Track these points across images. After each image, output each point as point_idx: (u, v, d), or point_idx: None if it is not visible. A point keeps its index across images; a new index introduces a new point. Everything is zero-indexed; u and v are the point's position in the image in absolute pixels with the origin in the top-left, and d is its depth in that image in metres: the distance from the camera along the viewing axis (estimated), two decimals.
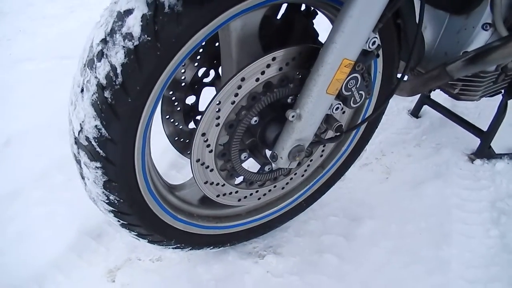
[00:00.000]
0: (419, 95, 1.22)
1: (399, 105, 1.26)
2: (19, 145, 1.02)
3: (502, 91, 0.97)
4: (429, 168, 1.05)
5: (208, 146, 0.59)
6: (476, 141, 1.10)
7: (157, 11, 0.44)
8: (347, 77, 0.56)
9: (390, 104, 1.19)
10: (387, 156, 1.08)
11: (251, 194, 0.71)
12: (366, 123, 0.75)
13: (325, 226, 0.87)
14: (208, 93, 0.71)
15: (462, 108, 1.26)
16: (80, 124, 0.49)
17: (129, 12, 0.45)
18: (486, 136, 1.08)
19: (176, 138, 0.72)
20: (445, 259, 0.84)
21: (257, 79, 0.56)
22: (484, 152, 1.09)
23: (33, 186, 0.94)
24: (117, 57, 0.45)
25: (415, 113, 1.25)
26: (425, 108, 1.22)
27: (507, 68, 0.88)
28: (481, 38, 0.75)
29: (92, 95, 0.47)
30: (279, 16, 0.68)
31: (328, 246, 0.85)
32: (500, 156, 1.10)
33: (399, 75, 0.68)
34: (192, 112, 0.71)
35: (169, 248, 0.70)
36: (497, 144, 1.11)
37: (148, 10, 0.44)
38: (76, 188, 0.86)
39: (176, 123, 0.71)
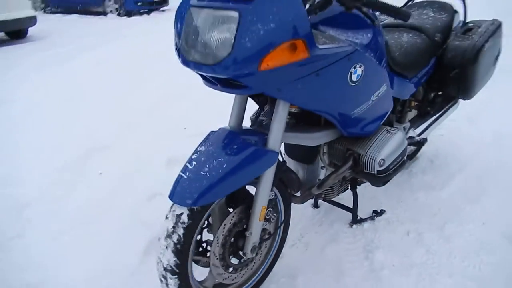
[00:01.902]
0: None
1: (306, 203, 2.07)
2: None
3: (349, 187, 1.82)
4: (328, 237, 1.82)
5: (216, 257, 1.31)
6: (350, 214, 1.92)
7: (192, 211, 1.19)
8: (266, 212, 1.33)
9: (299, 206, 2.00)
10: (304, 237, 1.84)
11: (238, 275, 1.41)
12: (281, 225, 1.52)
13: (278, 285, 1.58)
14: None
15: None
16: (168, 262, 1.19)
17: (181, 214, 1.19)
18: (353, 211, 1.90)
19: (199, 262, 1.40)
20: (343, 285, 1.58)
21: (227, 225, 1.31)
22: (355, 219, 1.91)
23: None
24: (180, 232, 1.18)
25: (316, 205, 2.06)
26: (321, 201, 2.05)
27: (344, 178, 1.73)
28: (322, 173, 1.60)
29: (171, 250, 1.18)
30: None
31: None
32: (365, 219, 1.92)
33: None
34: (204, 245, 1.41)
35: None
36: (365, 211, 1.95)
37: (188, 212, 1.19)
38: None
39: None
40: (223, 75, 1.07)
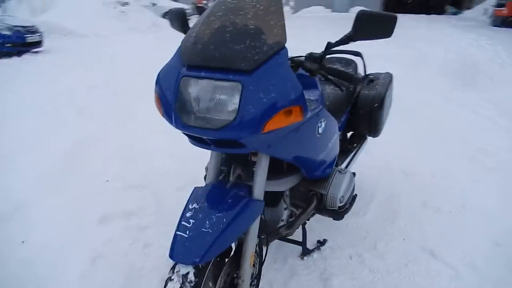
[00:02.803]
0: None
1: None
2: None
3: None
4: (286, 272, 1.97)
5: None
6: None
7: (197, 269, 1.21)
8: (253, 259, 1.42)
9: None
10: (265, 276, 1.94)
11: None
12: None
13: None
14: None
15: None
16: None
17: (187, 273, 1.20)
18: (303, 244, 2.09)
19: None
20: None
21: (223, 277, 1.36)
22: (305, 251, 2.10)
23: None
24: None
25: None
26: None
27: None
28: (286, 214, 1.76)
29: None
30: None
31: None
32: (313, 250, 2.13)
33: None
34: None
35: None
36: (309, 242, 2.15)
37: (194, 270, 1.21)
38: None
39: None
40: (227, 137, 1.17)
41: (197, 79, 1.19)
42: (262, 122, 1.14)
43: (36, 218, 2.38)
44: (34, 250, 2.10)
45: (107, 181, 2.88)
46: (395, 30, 1.31)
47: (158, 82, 1.31)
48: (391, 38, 1.32)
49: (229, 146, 1.24)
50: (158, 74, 1.32)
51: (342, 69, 2.42)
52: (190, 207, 1.32)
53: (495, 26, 12.70)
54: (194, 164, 3.05)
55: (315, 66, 1.41)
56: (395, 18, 1.31)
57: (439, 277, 1.93)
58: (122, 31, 10.85)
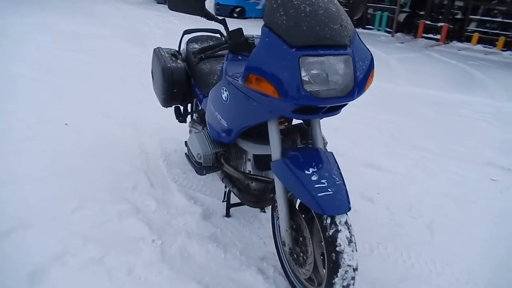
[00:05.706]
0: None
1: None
2: None
3: None
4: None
5: None
6: None
7: (347, 214, 1.41)
8: None
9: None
10: None
11: None
12: None
13: None
14: None
15: None
16: (356, 262, 1.37)
17: (346, 219, 1.41)
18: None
19: None
20: None
21: None
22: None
23: None
24: (353, 232, 1.39)
25: (228, 215, 2.29)
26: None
27: None
28: None
29: (355, 250, 1.36)
30: None
31: None
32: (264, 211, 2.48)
33: None
34: None
35: None
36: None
37: (347, 216, 1.41)
38: None
39: None
40: (350, 101, 1.40)
41: (318, 57, 1.31)
42: (365, 84, 1.41)
43: None
44: None
45: None
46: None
47: (254, 67, 1.36)
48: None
49: (331, 111, 1.47)
50: (250, 59, 1.37)
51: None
52: (307, 172, 1.42)
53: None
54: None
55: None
56: None
57: None
58: None
